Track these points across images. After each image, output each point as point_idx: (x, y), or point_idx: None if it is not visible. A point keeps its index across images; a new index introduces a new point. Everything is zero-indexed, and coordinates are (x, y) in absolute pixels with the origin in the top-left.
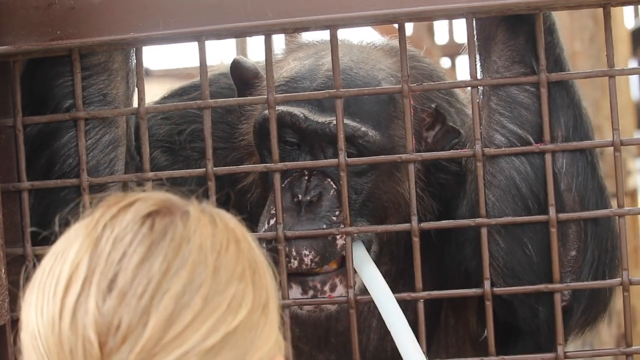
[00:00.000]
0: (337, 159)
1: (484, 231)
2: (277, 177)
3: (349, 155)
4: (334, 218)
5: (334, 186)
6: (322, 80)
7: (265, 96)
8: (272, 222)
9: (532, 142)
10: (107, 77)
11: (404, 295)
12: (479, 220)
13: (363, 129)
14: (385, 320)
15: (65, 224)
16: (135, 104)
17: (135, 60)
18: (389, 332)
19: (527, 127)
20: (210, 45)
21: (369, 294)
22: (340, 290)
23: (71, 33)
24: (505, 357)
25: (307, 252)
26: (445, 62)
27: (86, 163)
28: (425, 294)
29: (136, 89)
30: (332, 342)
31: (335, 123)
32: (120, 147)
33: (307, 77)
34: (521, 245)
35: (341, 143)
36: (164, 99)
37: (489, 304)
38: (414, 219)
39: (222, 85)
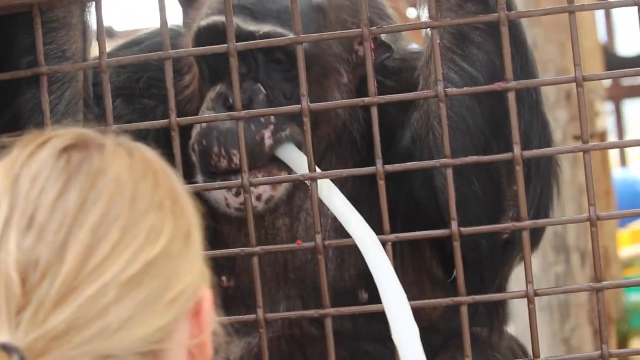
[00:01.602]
0: (299, 105)
1: (449, 171)
2: (240, 125)
3: (279, 61)
4: (262, 119)
5: (263, 91)
6: None
7: (226, 45)
8: (203, 125)
9: (482, 81)
10: (66, 32)
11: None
12: (444, 160)
13: (291, 35)
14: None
15: None
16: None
17: (93, 15)
18: (344, 260)
19: (478, 66)
20: None
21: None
22: (263, 186)
23: None
24: (475, 296)
25: (235, 152)
26: (411, 13)
27: (49, 118)
28: (393, 236)
29: (97, 42)
30: (291, 277)
31: (266, 30)
32: (80, 100)
33: None
34: (468, 182)
35: (303, 88)
36: (118, 50)
37: (456, 244)
38: (379, 162)
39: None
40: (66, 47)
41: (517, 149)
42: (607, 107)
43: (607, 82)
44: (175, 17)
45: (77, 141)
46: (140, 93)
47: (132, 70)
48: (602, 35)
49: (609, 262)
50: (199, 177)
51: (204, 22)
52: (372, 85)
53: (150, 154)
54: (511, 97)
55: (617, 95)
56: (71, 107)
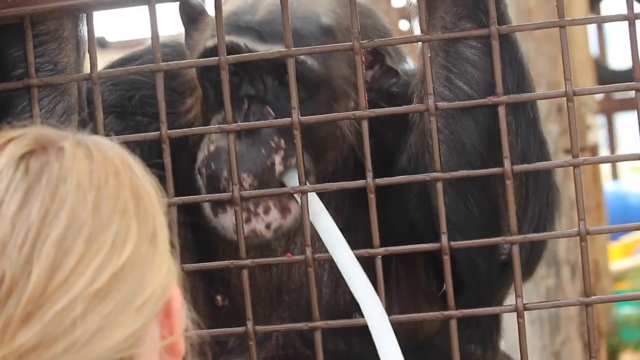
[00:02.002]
0: (290, 118)
1: (439, 185)
2: (231, 138)
3: (285, 81)
4: (273, 144)
5: (272, 114)
6: (263, 13)
7: (218, 58)
8: (211, 148)
9: (477, 99)
10: (58, 45)
11: (362, 251)
12: (434, 174)
13: (301, 57)
14: (342, 272)
15: None
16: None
17: (85, 28)
18: (339, 285)
19: (473, 85)
20: (162, 9)
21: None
22: (274, 214)
23: (22, 0)
24: (464, 310)
25: (245, 176)
26: (403, 25)
27: None
28: (382, 250)
29: (88, 55)
30: (285, 299)
31: (275, 50)
32: (74, 114)
33: (248, 11)
34: (464, 200)
35: (294, 102)
36: (113, 66)
37: (446, 258)
38: (369, 175)
39: (164, 52)
40: (57, 60)
41: (507, 163)
42: (599, 121)
43: (599, 96)
44: (167, 30)
45: (36, 146)
46: (133, 111)
47: (125, 88)
48: (594, 48)
49: (599, 275)
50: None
51: (209, 43)
52: (362, 99)
53: (111, 151)
54: (501, 111)
55: (609, 108)
56: (63, 120)
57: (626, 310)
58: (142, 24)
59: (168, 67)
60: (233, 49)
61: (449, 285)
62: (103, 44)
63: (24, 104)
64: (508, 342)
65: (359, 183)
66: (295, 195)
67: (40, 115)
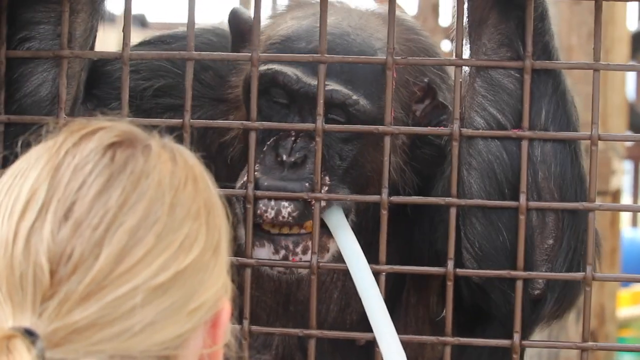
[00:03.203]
0: (314, 124)
1: (452, 211)
2: (252, 136)
3: (338, 122)
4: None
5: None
6: (318, 43)
7: (250, 54)
8: (252, 176)
9: (509, 128)
10: (67, 16)
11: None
12: (449, 199)
13: (354, 97)
14: (358, 288)
15: (27, 146)
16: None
17: (105, 3)
18: (349, 304)
19: (507, 113)
20: None
21: (344, 261)
22: (311, 255)
23: None
24: (460, 338)
25: (286, 205)
26: (446, 45)
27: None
28: (387, 267)
29: (122, 33)
30: (291, 310)
31: (328, 88)
32: (75, 88)
33: (303, 37)
34: (497, 231)
35: (320, 108)
36: (139, 46)
37: (450, 284)
38: (385, 191)
39: (203, 40)
40: (60, 31)
41: (522, 197)
42: (626, 166)
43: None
44: (205, 17)
45: (124, 138)
46: (144, 101)
47: (145, 76)
48: (632, 93)
49: (604, 320)
50: (241, 228)
51: (261, 69)
52: (388, 114)
53: (192, 159)
54: (524, 145)
55: (638, 155)
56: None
57: (628, 358)
58: (184, 5)
59: (200, 57)
60: (284, 80)
61: (448, 311)
62: (143, 22)
63: (21, 69)
64: None
65: (374, 198)
66: (334, 235)
67: (37, 83)
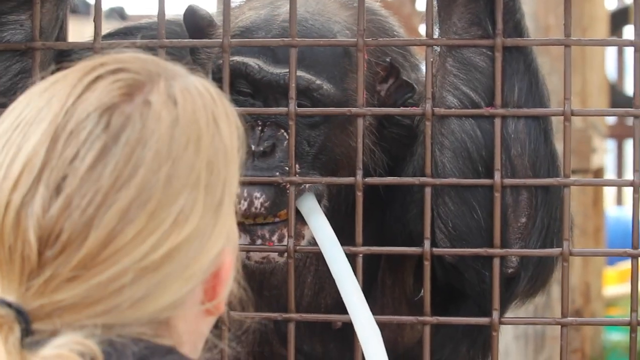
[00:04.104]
0: (286, 108)
1: (427, 190)
2: None
3: (302, 106)
4: (287, 169)
5: (287, 137)
6: (277, 31)
7: (220, 40)
8: None
9: (483, 106)
10: (30, 7)
11: (344, 248)
12: (423, 179)
13: (318, 81)
14: (332, 272)
15: None
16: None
17: None
18: (323, 288)
19: (480, 91)
20: None
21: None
22: (287, 241)
23: None
24: (439, 317)
25: (258, 195)
26: (423, 29)
27: None
28: (364, 248)
29: (93, 24)
30: (266, 295)
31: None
32: (30, 79)
33: (262, 27)
34: (470, 209)
35: (292, 92)
36: (107, 36)
37: (427, 264)
38: (359, 173)
39: (168, 30)
40: (24, 22)
41: (497, 175)
42: (609, 145)
43: (610, 120)
44: (177, 7)
45: (126, 91)
46: None
47: None
48: (613, 73)
49: (590, 298)
50: None
51: (220, 61)
52: (361, 95)
53: (199, 102)
54: (497, 123)
55: (621, 133)
56: (17, 81)
57: (615, 336)
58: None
59: (171, 45)
60: (246, 70)
61: (426, 291)
62: (122, 15)
63: None
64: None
65: (349, 180)
66: (306, 220)
67: None
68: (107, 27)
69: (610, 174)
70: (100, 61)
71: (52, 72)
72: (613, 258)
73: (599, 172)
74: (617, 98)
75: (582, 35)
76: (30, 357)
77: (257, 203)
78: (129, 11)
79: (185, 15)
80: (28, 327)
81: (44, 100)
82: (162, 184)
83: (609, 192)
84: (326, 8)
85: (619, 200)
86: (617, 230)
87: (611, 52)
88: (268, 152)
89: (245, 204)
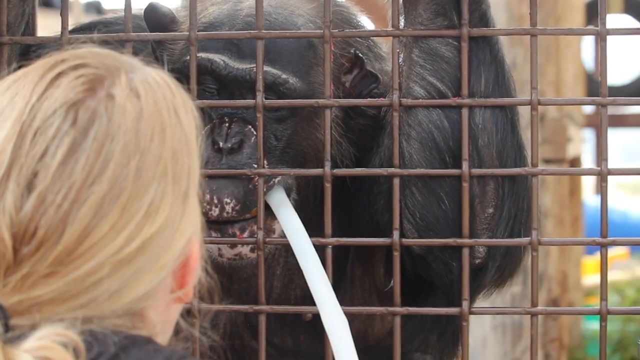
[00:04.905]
0: (254, 100)
1: (396, 181)
2: None
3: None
4: (255, 165)
5: (254, 133)
6: (241, 26)
7: (187, 33)
8: None
9: (450, 96)
10: None
11: (313, 240)
12: (391, 170)
13: (284, 76)
14: (300, 264)
15: None
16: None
17: None
18: (292, 280)
19: (447, 81)
20: None
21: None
22: (258, 236)
23: None
24: (409, 308)
25: (228, 200)
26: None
27: None
28: (334, 240)
29: (60, 17)
30: (235, 288)
31: (252, 68)
32: None
33: (225, 22)
34: (437, 200)
35: (259, 84)
36: (73, 32)
37: (396, 254)
38: (327, 164)
39: (133, 24)
40: None
41: (465, 165)
42: (588, 134)
43: (588, 109)
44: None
45: (89, 86)
46: None
47: None
48: (591, 63)
49: (567, 288)
50: None
51: (188, 59)
52: (328, 88)
53: (159, 94)
54: (464, 113)
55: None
56: None
57: (595, 326)
58: None
59: (139, 38)
60: (212, 66)
61: (396, 282)
62: (99, 9)
63: None
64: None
65: (317, 171)
66: (275, 213)
67: None
68: (85, 22)
69: (589, 164)
70: (60, 58)
71: (15, 70)
72: (592, 247)
73: (575, 162)
74: (594, 87)
75: (555, 25)
76: (12, 351)
77: (228, 208)
78: (105, 5)
79: (146, 12)
80: (7, 323)
81: (6, 98)
82: (132, 176)
83: (588, 182)
84: (289, 1)
85: (599, 190)
86: (596, 219)
87: (589, 41)
88: (236, 148)
89: (217, 210)
